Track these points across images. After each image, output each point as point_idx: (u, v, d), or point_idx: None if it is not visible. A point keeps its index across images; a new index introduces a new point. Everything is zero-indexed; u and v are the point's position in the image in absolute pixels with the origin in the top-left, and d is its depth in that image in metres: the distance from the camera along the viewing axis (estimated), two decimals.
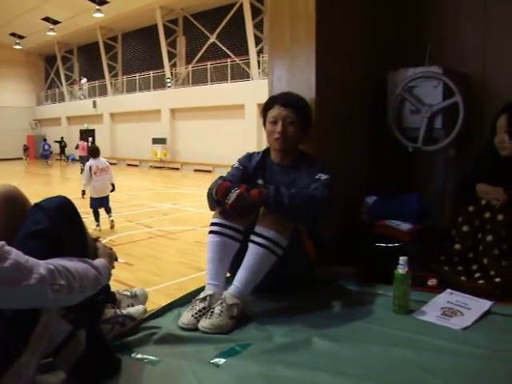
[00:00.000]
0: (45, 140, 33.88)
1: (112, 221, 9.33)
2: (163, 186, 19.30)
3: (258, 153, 2.88)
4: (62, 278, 1.39)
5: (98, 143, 33.14)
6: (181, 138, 27.09)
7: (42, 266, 1.34)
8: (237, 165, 2.84)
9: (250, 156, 2.89)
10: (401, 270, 2.42)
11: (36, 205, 1.74)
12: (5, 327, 1.44)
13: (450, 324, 2.32)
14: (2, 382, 1.41)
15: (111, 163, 30.10)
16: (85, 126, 34.50)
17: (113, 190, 9.55)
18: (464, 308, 2.47)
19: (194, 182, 20.77)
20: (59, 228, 1.68)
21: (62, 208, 1.76)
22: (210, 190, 2.58)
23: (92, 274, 1.58)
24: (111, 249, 1.98)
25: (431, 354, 2.03)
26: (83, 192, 9.93)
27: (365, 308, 2.58)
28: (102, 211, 9.37)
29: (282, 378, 1.86)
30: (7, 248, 1.26)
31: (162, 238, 8.94)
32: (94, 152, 9.61)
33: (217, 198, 2.50)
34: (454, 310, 2.46)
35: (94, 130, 33.79)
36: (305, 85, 3.10)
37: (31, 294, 1.30)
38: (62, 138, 33.59)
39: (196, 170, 25.17)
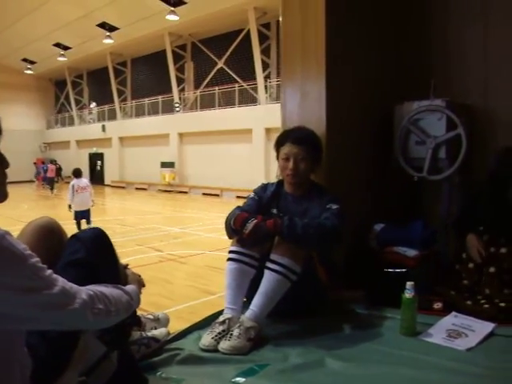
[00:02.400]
0: (43, 163, 34.19)
1: None
2: (172, 210, 19.38)
3: (273, 183, 3.04)
4: (101, 302, 1.53)
5: (106, 167, 33.54)
6: (189, 161, 27.19)
7: (84, 291, 1.47)
8: (252, 195, 2.99)
9: (265, 186, 3.04)
10: (408, 294, 2.55)
11: (74, 236, 1.90)
12: (49, 347, 1.58)
13: (455, 345, 2.43)
14: None
15: (120, 187, 30.19)
16: (94, 150, 34.74)
17: (92, 205, 11.41)
18: (468, 330, 2.58)
19: (202, 205, 20.86)
20: (95, 257, 1.82)
21: (97, 239, 1.91)
22: (228, 220, 2.72)
23: (125, 299, 1.71)
24: (139, 276, 2.13)
25: (437, 373, 2.15)
26: (69, 206, 11.21)
27: (374, 330, 2.71)
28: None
29: None
30: (54, 276, 1.40)
31: (172, 262, 9.03)
32: (76, 173, 11.36)
33: (235, 227, 2.65)
34: (459, 331, 2.57)
35: (102, 153, 34.04)
36: (316, 119, 3.26)
37: (75, 317, 1.43)
38: (55, 160, 33.90)
39: (204, 194, 25.25)
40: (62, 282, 1.38)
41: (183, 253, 9.82)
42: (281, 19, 3.58)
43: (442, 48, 3.89)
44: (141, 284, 2.08)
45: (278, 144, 2.95)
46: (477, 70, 3.75)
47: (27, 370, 1.46)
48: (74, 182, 11.14)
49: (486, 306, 2.84)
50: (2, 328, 1.30)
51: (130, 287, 1.84)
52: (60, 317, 1.38)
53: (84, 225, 10.88)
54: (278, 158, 2.95)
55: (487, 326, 2.61)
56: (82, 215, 11.11)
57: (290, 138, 2.89)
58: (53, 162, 30.85)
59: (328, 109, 3.27)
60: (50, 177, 27.75)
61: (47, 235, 1.89)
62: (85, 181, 11.43)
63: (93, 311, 1.46)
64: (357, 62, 3.54)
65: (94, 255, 1.83)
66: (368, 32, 3.65)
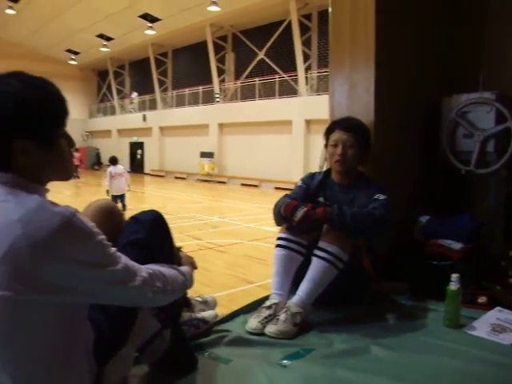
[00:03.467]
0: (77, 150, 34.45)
1: None
2: (211, 200, 19.48)
3: (320, 173, 3.08)
4: (159, 280, 1.59)
5: (146, 156, 33.90)
6: (228, 152, 27.30)
7: (144, 270, 1.53)
8: (300, 183, 3.04)
9: (312, 175, 3.09)
10: (453, 286, 2.56)
11: (133, 217, 1.97)
12: (110, 321, 1.64)
13: (499, 339, 2.43)
14: (107, 367, 1.62)
15: (159, 175, 30.37)
16: (134, 139, 35.15)
17: (128, 190, 12.37)
18: None
19: (241, 196, 20.88)
20: (153, 238, 1.89)
21: (156, 221, 1.98)
22: (278, 207, 2.77)
23: (180, 279, 1.77)
24: (192, 258, 2.20)
25: (480, 365, 2.16)
26: (107, 191, 11.88)
27: (418, 321, 2.73)
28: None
29: (342, 379, 2.04)
30: (118, 253, 1.47)
31: (211, 251, 9.09)
32: (113, 160, 12.16)
33: (284, 214, 2.69)
34: (504, 326, 2.56)
35: (142, 142, 34.42)
36: (364, 110, 3.28)
37: (135, 293, 1.49)
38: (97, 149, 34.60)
39: (243, 185, 25.32)
40: (124, 259, 1.45)
41: (222, 242, 9.88)
42: (330, 9, 3.59)
43: (492, 41, 3.84)
44: (194, 266, 2.15)
45: (328, 131, 2.99)
46: None
47: (90, 342, 1.53)
48: (111, 168, 11.98)
49: None
50: (69, 301, 1.36)
51: (184, 268, 1.90)
52: (123, 292, 1.46)
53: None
54: (326, 146, 2.99)
55: None
56: (119, 199, 11.89)
57: (340, 125, 2.95)
58: (77, 149, 30.89)
59: (376, 100, 3.28)
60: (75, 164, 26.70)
61: (108, 216, 1.96)
62: (121, 167, 12.26)
63: (152, 289, 1.53)
64: (406, 54, 3.54)
65: (152, 236, 1.89)
66: (418, 24, 3.64)
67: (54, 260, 1.25)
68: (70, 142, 1.52)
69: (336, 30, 3.58)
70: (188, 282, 1.87)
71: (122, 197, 12.05)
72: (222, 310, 2.80)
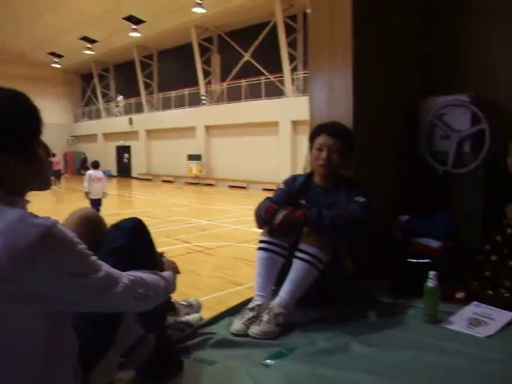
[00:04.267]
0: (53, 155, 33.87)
1: None
2: (199, 202, 19.46)
3: (302, 175, 3.14)
4: (141, 287, 1.62)
5: (133, 159, 33.75)
6: (216, 154, 27.26)
7: (125, 276, 1.56)
8: (282, 186, 3.10)
9: (294, 178, 3.14)
10: (431, 283, 2.65)
11: (115, 225, 2.02)
12: (94, 328, 1.69)
13: (476, 332, 2.53)
14: (94, 374, 1.68)
15: (147, 179, 30.17)
16: (121, 143, 34.98)
17: (104, 196, 12.40)
18: (488, 318, 2.67)
19: (229, 198, 20.88)
20: (134, 245, 1.94)
21: (136, 228, 2.03)
22: (258, 210, 2.83)
23: (162, 284, 1.81)
24: (175, 263, 2.25)
25: (456, 358, 2.25)
26: (86, 193, 12.11)
27: (397, 318, 2.81)
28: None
29: (324, 376, 2.11)
30: (99, 261, 1.51)
31: (200, 254, 9.09)
32: (95, 165, 12.42)
33: (265, 218, 2.76)
34: (480, 320, 2.66)
35: (129, 146, 34.26)
36: (344, 114, 3.33)
37: (118, 300, 1.52)
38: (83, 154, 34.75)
39: (231, 186, 25.30)
40: (106, 267, 1.48)
41: (210, 244, 9.87)
42: (308, 11, 3.64)
43: (467, 44, 3.92)
44: (176, 270, 2.20)
45: (313, 135, 3.04)
46: (502, 66, 3.78)
47: (75, 349, 1.57)
48: (92, 172, 12.19)
49: (507, 295, 2.91)
50: (53, 310, 1.39)
51: (166, 273, 1.94)
52: (105, 300, 1.48)
53: None
54: (311, 149, 3.04)
55: (507, 315, 2.69)
56: (97, 203, 12.16)
57: (326, 129, 2.99)
58: (54, 154, 30.08)
59: (355, 102, 3.34)
60: (55, 170, 24.54)
61: (88, 225, 2.01)
62: (100, 173, 12.47)
63: (134, 295, 1.56)
64: (383, 56, 3.61)
65: (133, 243, 1.94)
66: (394, 28, 3.71)
67: (35, 270, 1.27)
68: (46, 149, 1.55)
69: (315, 31, 3.63)
70: (170, 286, 1.91)
71: (99, 201, 12.34)
72: (210, 313, 2.85)
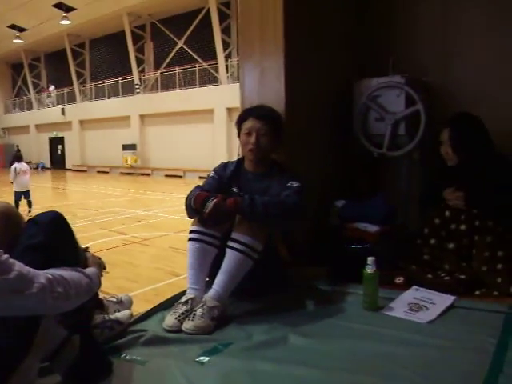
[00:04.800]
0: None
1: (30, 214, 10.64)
2: (135, 193, 19.21)
3: (233, 162, 3.02)
4: (60, 286, 1.51)
5: (67, 151, 33.14)
6: (151, 143, 27.07)
7: (42, 275, 1.46)
8: (212, 174, 2.98)
9: (224, 165, 3.03)
10: (369, 269, 2.57)
11: (31, 220, 1.87)
12: (9, 333, 1.56)
13: (416, 318, 2.48)
14: (11, 381, 1.53)
15: (81, 170, 29.90)
16: (54, 134, 34.27)
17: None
18: (429, 303, 2.63)
19: (165, 187, 20.72)
20: (53, 240, 1.79)
21: (55, 222, 1.88)
22: (188, 199, 2.70)
23: (85, 282, 1.70)
24: (99, 258, 2.11)
25: (399, 346, 2.19)
26: (12, 182, 12.30)
27: (336, 306, 2.74)
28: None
29: (261, 372, 2.01)
30: (11, 260, 1.38)
31: (136, 245, 8.97)
32: (18, 158, 12.82)
33: (195, 207, 2.63)
34: (420, 305, 2.62)
35: (63, 137, 33.61)
36: (275, 97, 3.24)
37: (33, 301, 1.42)
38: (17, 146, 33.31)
39: (167, 176, 25.18)
40: (18, 266, 1.38)
41: (147, 235, 9.78)
42: None
43: (401, 25, 3.90)
44: (101, 266, 2.07)
45: (240, 120, 2.93)
46: (435, 47, 3.79)
47: None
48: (16, 165, 12.34)
49: (447, 278, 2.90)
50: None
51: (89, 270, 1.84)
52: (20, 302, 1.38)
53: (24, 206, 12.11)
54: (239, 135, 2.93)
55: (447, 299, 2.66)
56: (24, 196, 12.36)
57: (253, 113, 2.88)
58: None
59: (287, 84, 3.25)
60: None
61: (2, 220, 1.85)
62: (25, 165, 12.73)
63: (52, 295, 1.47)
64: (316, 36, 3.53)
65: (52, 239, 1.80)
66: (328, 12, 3.65)
67: None
68: None
69: (245, 13, 3.51)
70: (94, 283, 1.81)
71: (26, 193, 12.45)
72: (147, 306, 2.71)
